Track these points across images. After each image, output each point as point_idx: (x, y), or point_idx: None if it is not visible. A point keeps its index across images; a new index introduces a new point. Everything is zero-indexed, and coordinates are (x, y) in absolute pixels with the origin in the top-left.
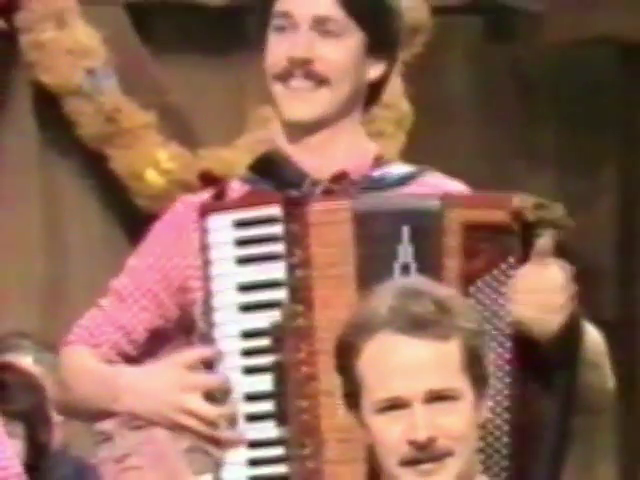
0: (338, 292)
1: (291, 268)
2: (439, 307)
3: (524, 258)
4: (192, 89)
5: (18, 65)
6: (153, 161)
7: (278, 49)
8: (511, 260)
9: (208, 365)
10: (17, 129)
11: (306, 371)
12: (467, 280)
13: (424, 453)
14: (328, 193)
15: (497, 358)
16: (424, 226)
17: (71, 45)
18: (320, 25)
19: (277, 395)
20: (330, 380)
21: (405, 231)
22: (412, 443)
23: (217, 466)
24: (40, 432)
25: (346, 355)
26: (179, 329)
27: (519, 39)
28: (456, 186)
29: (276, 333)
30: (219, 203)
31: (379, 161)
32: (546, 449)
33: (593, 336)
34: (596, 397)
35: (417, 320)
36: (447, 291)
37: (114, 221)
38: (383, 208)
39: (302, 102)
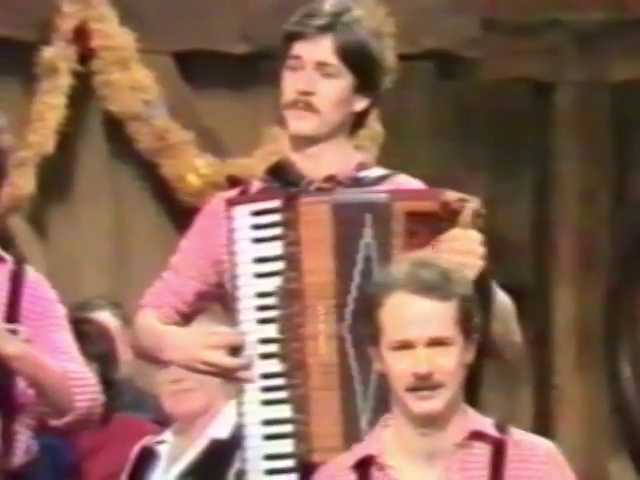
0: (320, 263)
1: (287, 245)
2: (443, 276)
3: None
4: (221, 114)
5: (93, 98)
6: (193, 168)
7: (290, 84)
8: (441, 238)
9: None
10: (92, 145)
11: (296, 321)
12: (410, 252)
13: (423, 383)
14: (320, 190)
15: None
16: (379, 214)
17: (132, 83)
18: (321, 68)
19: (280, 340)
20: (314, 327)
21: (368, 218)
22: (415, 375)
23: (238, 392)
24: (110, 370)
25: (371, 305)
26: (217, 290)
27: (460, 78)
28: (416, 184)
29: (279, 294)
30: (240, 198)
31: (361, 166)
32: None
33: (501, 295)
34: (503, 345)
35: (426, 285)
36: (451, 265)
37: (164, 212)
38: (351, 201)
39: (300, 121)
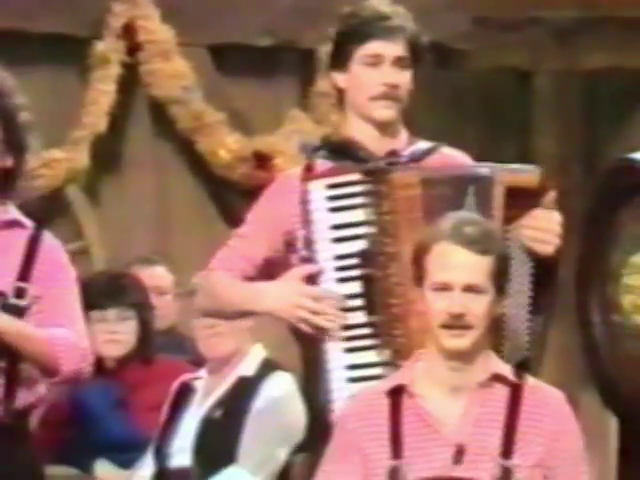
0: (412, 230)
1: (380, 214)
2: (484, 233)
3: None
4: (248, 98)
5: (139, 85)
6: (223, 144)
7: (372, 78)
8: (527, 214)
9: (312, 279)
10: (138, 125)
11: (395, 280)
12: (506, 223)
13: (456, 322)
14: (390, 164)
15: (522, 269)
16: (482, 185)
17: (172, 72)
18: (398, 62)
19: (365, 295)
20: (411, 284)
21: (471, 189)
22: (450, 314)
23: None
24: (146, 315)
25: (420, 250)
26: (281, 257)
27: (454, 67)
28: (462, 156)
29: (364, 255)
30: (314, 174)
31: (411, 141)
32: (544, 328)
33: None
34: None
35: (468, 238)
36: (491, 224)
37: (199, 182)
38: (443, 175)
39: (388, 109)
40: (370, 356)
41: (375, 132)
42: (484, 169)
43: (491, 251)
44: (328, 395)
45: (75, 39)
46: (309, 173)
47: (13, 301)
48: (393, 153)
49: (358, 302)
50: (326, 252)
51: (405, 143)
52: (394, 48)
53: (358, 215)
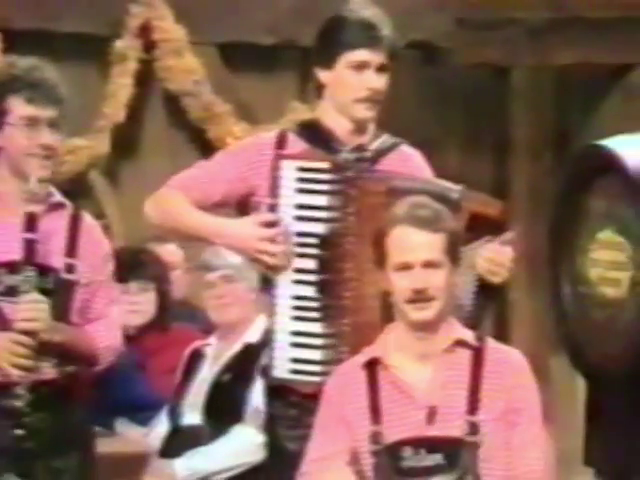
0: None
1: (346, 214)
2: (436, 214)
3: (495, 239)
4: (252, 91)
5: (155, 79)
6: (231, 133)
7: (357, 82)
8: (487, 239)
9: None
10: (154, 116)
11: (350, 275)
12: (463, 244)
13: (419, 296)
14: (358, 159)
15: (467, 287)
16: (450, 207)
17: (184, 67)
18: (381, 68)
19: (319, 273)
20: (367, 281)
21: None
22: (413, 290)
23: (271, 307)
24: (164, 287)
25: (380, 235)
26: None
27: (439, 63)
28: (418, 155)
29: (322, 240)
30: (289, 153)
31: (376, 135)
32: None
33: None
34: None
35: (422, 219)
36: (442, 207)
37: None
38: (411, 187)
39: (370, 111)
40: (315, 327)
41: (349, 126)
42: (454, 192)
43: (443, 229)
44: (271, 354)
45: (96, 38)
46: (281, 147)
47: (65, 276)
48: (360, 147)
49: (311, 277)
50: (288, 227)
51: (372, 137)
52: (378, 56)
53: (321, 200)
